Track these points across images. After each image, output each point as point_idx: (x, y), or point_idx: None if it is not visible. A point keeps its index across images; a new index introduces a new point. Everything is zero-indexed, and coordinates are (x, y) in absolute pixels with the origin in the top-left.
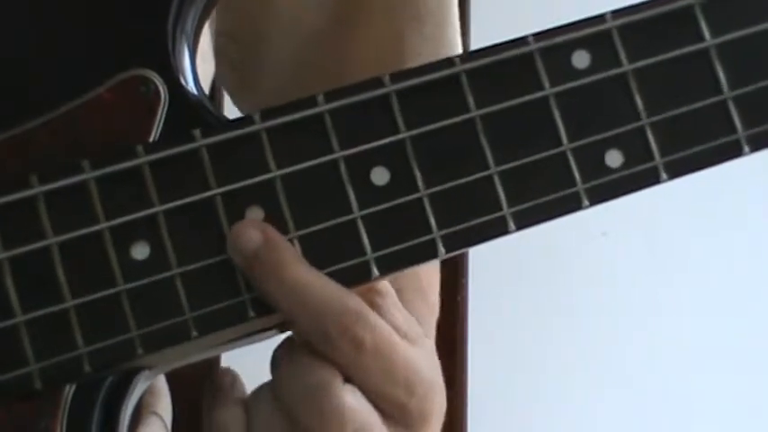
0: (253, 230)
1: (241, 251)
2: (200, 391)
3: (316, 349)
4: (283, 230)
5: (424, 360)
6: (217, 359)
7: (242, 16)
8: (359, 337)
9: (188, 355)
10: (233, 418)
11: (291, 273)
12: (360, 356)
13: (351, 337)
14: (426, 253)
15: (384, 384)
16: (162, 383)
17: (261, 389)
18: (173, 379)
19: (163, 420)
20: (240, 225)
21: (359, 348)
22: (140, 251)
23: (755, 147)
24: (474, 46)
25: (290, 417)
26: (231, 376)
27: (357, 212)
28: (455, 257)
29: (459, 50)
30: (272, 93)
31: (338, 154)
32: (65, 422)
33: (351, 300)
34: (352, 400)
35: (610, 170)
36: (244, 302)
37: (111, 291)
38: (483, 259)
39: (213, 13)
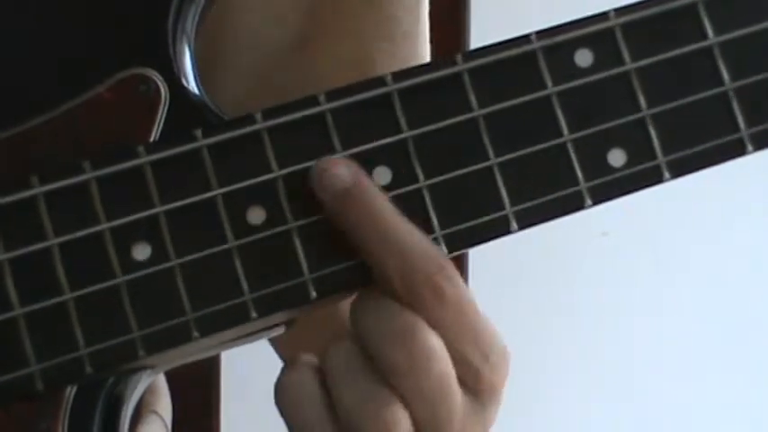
0: (342, 167)
1: (331, 188)
2: (199, 390)
3: (398, 298)
4: (285, 230)
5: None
6: (217, 359)
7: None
8: (441, 288)
9: (189, 355)
10: (304, 374)
11: (385, 212)
12: (440, 309)
13: (433, 287)
14: None
15: (461, 342)
16: (162, 382)
17: (335, 343)
18: (173, 378)
19: (163, 419)
20: (325, 162)
21: (440, 300)
22: (141, 252)
23: (759, 145)
24: (474, 46)
25: (373, 357)
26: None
27: None
28: (455, 257)
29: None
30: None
31: (340, 154)
32: (66, 422)
33: (436, 250)
34: (438, 343)
35: (613, 169)
36: (246, 303)
37: (112, 291)
38: (483, 259)
39: None
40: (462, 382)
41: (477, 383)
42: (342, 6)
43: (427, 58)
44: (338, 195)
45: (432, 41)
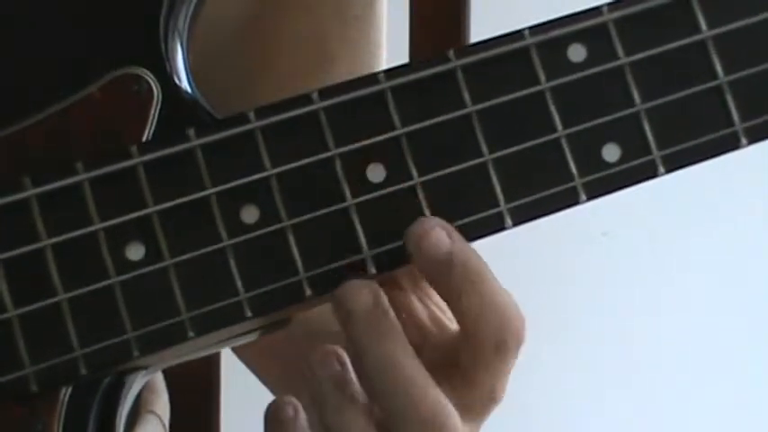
0: (439, 231)
1: (433, 258)
2: (199, 390)
3: (479, 351)
4: (279, 228)
5: None
6: (217, 358)
7: None
8: (520, 345)
9: (185, 354)
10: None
11: (488, 271)
12: (507, 361)
13: (518, 345)
14: None
15: (475, 394)
16: (160, 381)
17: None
18: (172, 378)
19: (160, 419)
20: (419, 227)
21: (515, 354)
22: (135, 252)
23: (753, 139)
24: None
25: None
26: (293, 408)
27: (353, 210)
28: None
29: (383, 52)
30: None
31: (334, 151)
32: (61, 422)
33: (517, 305)
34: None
35: (607, 164)
36: (240, 302)
37: (106, 292)
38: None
39: None
40: (469, 404)
41: (485, 403)
42: None
43: (381, 45)
44: (442, 262)
45: (431, 40)
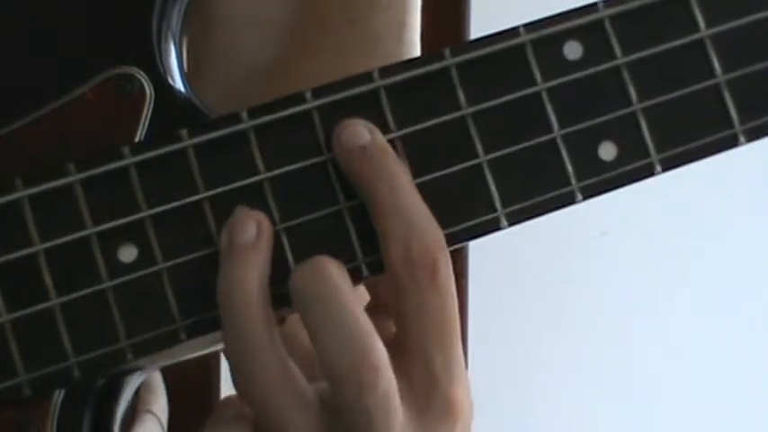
0: (362, 128)
1: (348, 143)
2: (198, 390)
3: (390, 270)
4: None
5: None
6: (216, 358)
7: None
8: (436, 266)
9: (180, 355)
10: None
11: (403, 176)
12: (428, 291)
13: (430, 262)
14: None
15: (431, 340)
16: (159, 381)
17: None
18: (171, 379)
19: (159, 419)
20: (347, 121)
21: (432, 279)
22: (127, 253)
23: (751, 137)
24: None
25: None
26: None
27: (346, 213)
28: (454, 258)
29: None
30: None
31: (327, 154)
32: (55, 424)
33: (439, 228)
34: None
35: (604, 163)
36: None
37: (99, 295)
38: (483, 259)
39: None
40: (414, 390)
41: (430, 399)
42: (325, 23)
43: None
44: (355, 151)
45: (431, 38)
